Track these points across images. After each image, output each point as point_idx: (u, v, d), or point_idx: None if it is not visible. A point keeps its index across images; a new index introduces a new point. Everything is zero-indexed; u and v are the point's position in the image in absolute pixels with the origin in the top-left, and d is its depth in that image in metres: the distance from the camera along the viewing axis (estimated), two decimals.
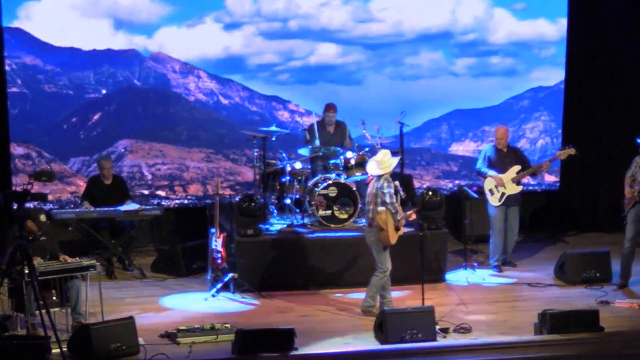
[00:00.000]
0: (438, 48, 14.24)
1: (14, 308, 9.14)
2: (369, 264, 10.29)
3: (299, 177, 11.67)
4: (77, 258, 9.53)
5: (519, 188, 11.50)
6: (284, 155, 11.84)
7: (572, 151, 11.51)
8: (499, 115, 14.66)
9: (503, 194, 11.51)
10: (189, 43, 13.53)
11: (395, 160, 9.95)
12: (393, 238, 9.82)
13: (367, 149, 11.91)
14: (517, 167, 11.52)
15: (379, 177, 9.81)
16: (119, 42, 13.32)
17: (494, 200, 11.58)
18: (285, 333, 8.73)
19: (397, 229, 9.81)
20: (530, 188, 14.32)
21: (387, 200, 9.71)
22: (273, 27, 13.74)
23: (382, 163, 9.79)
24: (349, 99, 14.00)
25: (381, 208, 9.73)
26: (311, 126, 12.11)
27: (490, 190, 11.60)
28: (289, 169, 11.61)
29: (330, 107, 12.10)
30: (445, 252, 11.41)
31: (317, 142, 11.86)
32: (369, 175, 10.02)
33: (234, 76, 13.83)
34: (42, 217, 9.26)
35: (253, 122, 13.43)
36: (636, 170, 10.68)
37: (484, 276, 11.51)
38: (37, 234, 9.30)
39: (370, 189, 9.94)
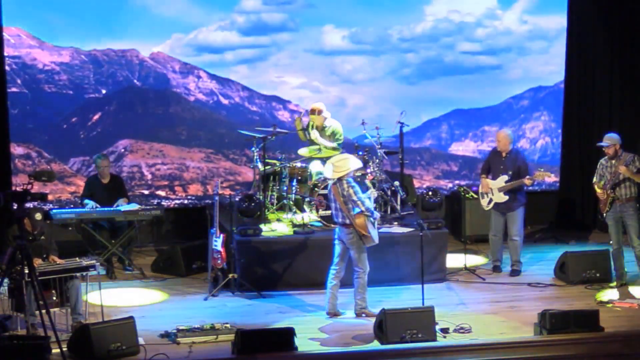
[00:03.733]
0: (438, 47, 14.23)
1: (14, 308, 9.15)
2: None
3: (299, 177, 11.66)
4: (77, 258, 9.54)
5: (505, 198, 11.43)
6: (283, 155, 11.83)
7: (548, 174, 11.68)
8: (499, 115, 14.66)
9: (491, 199, 11.52)
10: (190, 42, 13.56)
11: (353, 163, 9.84)
12: (376, 237, 9.84)
13: (367, 149, 11.92)
14: (506, 177, 11.46)
15: (339, 180, 9.76)
16: (119, 42, 13.32)
17: (483, 203, 11.62)
18: (285, 333, 8.73)
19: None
20: (530, 188, 14.28)
21: (363, 208, 9.67)
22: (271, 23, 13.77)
23: (337, 167, 9.75)
24: (349, 98, 14.03)
25: (357, 211, 9.69)
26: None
27: (482, 194, 11.64)
28: (288, 169, 11.60)
29: (310, 111, 11.98)
30: (445, 252, 11.41)
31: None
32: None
33: (234, 75, 13.84)
34: (38, 216, 9.26)
35: (253, 122, 13.42)
36: (604, 172, 10.92)
37: (484, 276, 11.51)
38: (35, 233, 9.29)
39: (334, 194, 9.81)
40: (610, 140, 10.85)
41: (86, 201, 11.60)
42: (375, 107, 14.03)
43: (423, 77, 14.24)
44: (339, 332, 9.43)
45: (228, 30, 13.65)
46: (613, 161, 10.84)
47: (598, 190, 10.96)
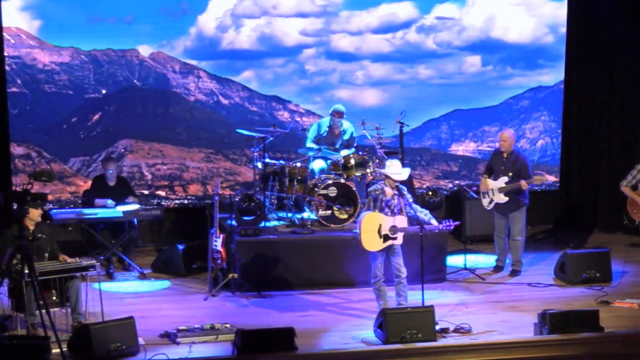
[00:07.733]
0: (438, 47, 14.25)
1: (14, 308, 9.14)
2: (368, 263, 10.28)
3: (299, 177, 11.67)
4: (77, 258, 9.54)
5: (505, 199, 11.41)
6: (283, 155, 11.85)
7: (544, 179, 11.55)
8: (499, 115, 14.66)
9: (492, 200, 11.50)
10: (190, 42, 13.57)
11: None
12: (366, 243, 9.62)
13: (367, 149, 11.92)
14: (506, 179, 11.45)
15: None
16: (119, 42, 13.33)
17: (484, 203, 11.59)
18: (285, 333, 8.73)
19: (382, 236, 9.56)
20: (530, 188, 14.29)
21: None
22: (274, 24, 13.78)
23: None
24: (350, 98, 14.04)
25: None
26: (312, 126, 12.13)
27: (482, 193, 11.62)
28: (288, 169, 11.61)
29: (337, 114, 12.01)
30: (445, 252, 11.41)
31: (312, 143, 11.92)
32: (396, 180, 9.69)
33: (233, 75, 13.84)
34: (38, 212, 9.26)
35: (253, 122, 13.43)
36: None
37: (484, 276, 11.51)
38: (36, 232, 9.28)
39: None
40: None
41: (97, 200, 11.57)
42: (375, 107, 14.03)
43: (423, 77, 14.25)
44: (339, 332, 9.43)
45: (231, 32, 13.68)
46: None
47: (637, 197, 10.83)
